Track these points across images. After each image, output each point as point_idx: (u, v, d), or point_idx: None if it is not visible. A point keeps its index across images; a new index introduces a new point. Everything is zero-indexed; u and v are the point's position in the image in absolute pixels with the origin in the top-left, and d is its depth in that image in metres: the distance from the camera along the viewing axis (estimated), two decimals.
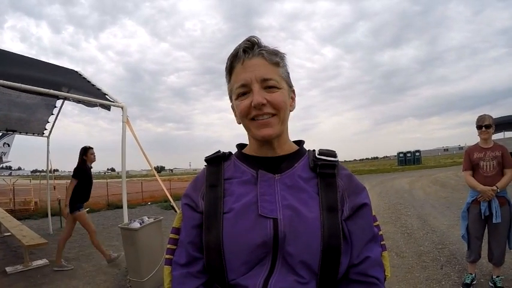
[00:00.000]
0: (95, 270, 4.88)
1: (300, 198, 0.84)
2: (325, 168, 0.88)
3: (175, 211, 4.42)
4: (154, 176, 5.33)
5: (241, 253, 0.80)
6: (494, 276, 3.43)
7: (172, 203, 4.57)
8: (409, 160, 40.93)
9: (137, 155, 5.21)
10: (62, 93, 3.94)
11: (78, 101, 4.11)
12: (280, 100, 0.86)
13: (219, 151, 0.99)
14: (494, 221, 3.27)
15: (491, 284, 3.44)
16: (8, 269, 4.82)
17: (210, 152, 1.00)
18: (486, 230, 3.46)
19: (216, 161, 0.96)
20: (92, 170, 5.48)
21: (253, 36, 0.88)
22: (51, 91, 3.77)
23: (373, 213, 0.93)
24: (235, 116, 0.96)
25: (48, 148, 7.73)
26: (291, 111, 0.94)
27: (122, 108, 4.48)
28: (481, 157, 3.41)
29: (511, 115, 19.97)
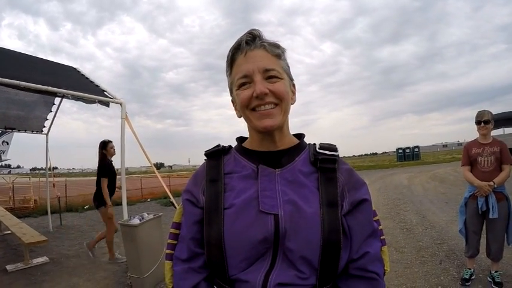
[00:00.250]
0: (95, 267, 4.89)
1: (300, 193, 0.84)
2: (325, 162, 0.88)
3: (175, 207, 4.43)
4: (153, 172, 5.34)
5: (242, 249, 0.80)
6: (492, 272, 3.45)
7: (172, 199, 4.58)
8: (408, 156, 40.97)
9: (136, 152, 5.21)
10: (61, 90, 3.92)
11: (77, 98, 4.10)
12: (282, 89, 0.85)
13: (218, 145, 0.98)
14: (490, 216, 3.28)
15: (490, 279, 3.46)
16: (9, 267, 4.83)
17: (208, 147, 1.00)
18: (484, 226, 3.47)
19: (216, 155, 0.95)
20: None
21: (255, 29, 0.88)
22: (50, 88, 3.76)
23: (373, 208, 0.93)
24: (236, 109, 0.95)
25: (47, 145, 7.72)
26: (292, 104, 0.93)
27: (120, 104, 4.47)
28: (479, 152, 3.42)
29: (510, 111, 19.99)
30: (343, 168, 0.91)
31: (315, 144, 0.95)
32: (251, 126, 0.90)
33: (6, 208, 9.32)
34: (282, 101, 0.86)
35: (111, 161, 5.23)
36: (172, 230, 0.96)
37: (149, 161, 4.74)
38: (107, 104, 4.42)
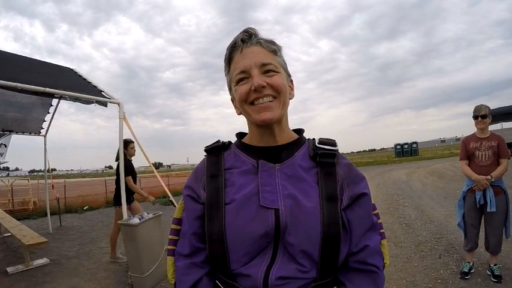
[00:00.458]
0: (95, 267, 4.89)
1: (300, 187, 0.85)
2: (325, 157, 0.89)
3: (175, 206, 4.44)
4: (152, 172, 5.34)
5: (243, 244, 0.81)
6: (491, 265, 3.47)
7: (171, 198, 4.58)
8: (406, 152, 41.03)
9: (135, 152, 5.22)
10: (58, 91, 3.92)
11: (75, 99, 4.09)
12: (280, 82, 0.86)
13: (218, 141, 0.99)
14: (488, 209, 3.30)
15: (489, 272, 3.48)
16: (9, 269, 4.82)
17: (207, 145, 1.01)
18: (483, 219, 3.49)
19: (216, 150, 0.96)
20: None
21: (251, 28, 0.90)
22: (48, 89, 3.76)
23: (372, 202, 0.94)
24: (235, 107, 0.96)
25: (45, 147, 7.70)
26: (290, 99, 0.94)
27: (118, 104, 4.47)
28: (477, 147, 3.44)
29: (508, 106, 20.06)
30: (343, 162, 0.92)
31: (314, 139, 0.96)
32: (250, 121, 0.91)
33: (5, 210, 9.31)
34: (280, 94, 0.87)
35: (131, 160, 5.20)
36: (173, 226, 0.97)
37: (148, 161, 4.74)
38: (104, 104, 4.42)
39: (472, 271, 3.59)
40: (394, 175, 16.83)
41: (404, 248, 4.70)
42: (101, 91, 4.73)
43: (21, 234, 5.32)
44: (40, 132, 7.62)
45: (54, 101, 6.52)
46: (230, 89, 0.95)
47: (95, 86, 4.96)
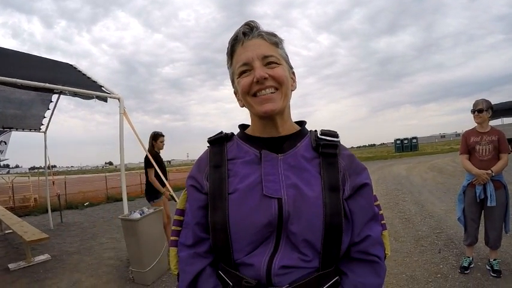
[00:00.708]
0: (97, 263, 4.91)
1: (302, 177, 0.86)
2: (327, 148, 0.90)
3: (175, 201, 4.45)
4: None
5: (247, 233, 0.82)
6: (491, 260, 3.48)
7: (172, 193, 4.59)
8: (406, 147, 41.00)
9: (135, 148, 5.20)
10: (58, 86, 3.91)
11: (75, 94, 4.08)
12: (281, 74, 0.87)
13: (221, 132, 1.00)
14: (488, 204, 3.30)
15: (489, 267, 3.49)
16: (11, 266, 4.84)
17: (207, 143, 1.01)
18: (483, 214, 3.50)
19: (219, 141, 0.97)
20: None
21: (252, 21, 0.90)
22: (47, 85, 3.75)
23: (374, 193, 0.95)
24: (238, 100, 0.97)
25: (45, 143, 7.70)
26: (292, 90, 0.95)
27: (118, 99, 4.46)
28: (478, 141, 3.44)
29: (509, 101, 20.02)
30: (344, 153, 0.93)
31: (316, 130, 0.96)
32: (253, 112, 0.92)
33: (6, 207, 9.31)
34: (282, 85, 0.87)
35: (158, 153, 5.10)
36: (176, 217, 0.98)
37: (149, 156, 4.74)
38: (104, 100, 4.41)
39: (472, 266, 3.60)
40: (394, 170, 16.83)
41: (404, 242, 4.72)
42: (101, 86, 4.72)
43: (23, 230, 5.33)
44: (40, 129, 7.62)
45: (54, 97, 6.51)
46: (233, 82, 0.96)
47: (94, 81, 4.95)
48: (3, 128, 7.37)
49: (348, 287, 0.84)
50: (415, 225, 5.64)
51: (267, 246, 0.82)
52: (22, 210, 10.81)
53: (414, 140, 41.34)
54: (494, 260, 3.46)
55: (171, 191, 4.88)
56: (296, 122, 1.01)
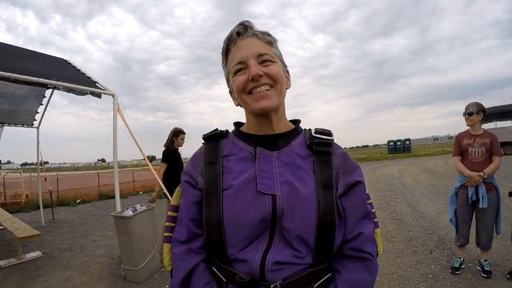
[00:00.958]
0: (88, 260, 4.88)
1: (296, 175, 0.87)
2: (321, 146, 0.91)
3: (168, 199, 4.44)
4: (145, 166, 5.31)
5: (241, 229, 0.82)
6: (482, 261, 3.52)
7: (165, 190, 4.57)
8: (399, 148, 41.21)
9: (128, 145, 5.16)
10: (52, 81, 3.87)
11: (69, 90, 4.05)
12: (276, 71, 0.88)
13: (216, 129, 1.00)
14: (480, 206, 3.33)
15: (479, 268, 3.52)
16: (1, 263, 4.78)
17: (200, 141, 1.02)
18: (474, 216, 3.54)
19: (214, 138, 0.97)
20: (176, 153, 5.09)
21: (246, 21, 0.91)
22: (41, 80, 3.72)
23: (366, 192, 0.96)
24: (233, 98, 0.97)
25: (38, 139, 7.62)
26: (287, 88, 0.96)
27: (112, 96, 4.43)
28: (470, 143, 3.47)
29: (502, 106, 20.25)
30: (338, 152, 0.94)
31: (310, 129, 0.97)
32: (248, 110, 0.93)
33: None
34: (277, 83, 0.88)
35: (176, 149, 5.04)
36: (170, 213, 0.98)
37: (142, 154, 4.71)
38: (98, 96, 4.37)
39: (463, 266, 3.64)
40: (386, 171, 16.93)
41: (396, 243, 4.75)
42: (95, 82, 4.69)
43: (14, 227, 5.28)
44: (33, 124, 7.53)
45: (47, 93, 6.44)
46: (228, 81, 0.97)
47: (89, 77, 4.92)
48: None
49: (340, 284, 0.84)
50: (407, 225, 5.68)
51: (261, 242, 0.83)
52: (13, 207, 10.70)
53: (407, 142, 41.58)
54: (485, 261, 3.49)
55: (157, 191, 4.93)
56: (290, 121, 1.02)
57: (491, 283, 3.27)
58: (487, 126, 20.04)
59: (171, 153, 4.87)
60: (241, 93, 0.89)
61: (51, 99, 6.74)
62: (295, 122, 1.02)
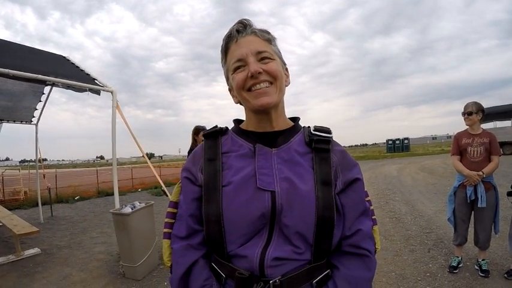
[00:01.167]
0: (87, 257, 4.88)
1: (295, 171, 0.87)
2: (320, 143, 0.91)
3: (167, 196, 4.44)
4: (144, 162, 5.31)
5: (240, 225, 0.83)
6: (479, 260, 3.52)
7: (164, 188, 4.57)
8: (397, 147, 41.21)
9: (127, 141, 5.16)
10: (51, 78, 3.86)
11: (68, 86, 4.04)
12: (275, 68, 0.89)
13: (216, 126, 1.01)
14: (479, 205, 3.34)
15: (477, 267, 3.53)
16: (0, 259, 4.78)
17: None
18: (472, 215, 3.54)
19: (213, 135, 0.98)
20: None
21: (245, 19, 0.92)
22: (40, 76, 3.71)
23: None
24: (233, 96, 0.98)
25: (36, 136, 7.60)
26: (286, 86, 0.96)
27: (111, 92, 4.43)
28: (469, 143, 3.47)
29: (501, 105, 20.28)
30: (337, 149, 0.95)
31: (309, 126, 0.98)
32: (248, 107, 0.93)
33: None
34: (276, 79, 0.89)
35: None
36: (169, 209, 0.98)
37: (141, 151, 4.71)
38: (97, 93, 4.37)
39: (461, 265, 3.64)
40: (385, 170, 16.94)
41: (394, 241, 4.76)
42: (94, 79, 4.68)
43: (12, 224, 5.28)
44: (31, 121, 7.51)
45: (46, 89, 6.42)
46: (227, 79, 0.97)
47: (88, 74, 4.90)
48: None
49: (339, 280, 0.85)
50: (405, 224, 5.69)
51: (260, 238, 0.83)
52: (12, 203, 10.69)
53: (406, 141, 41.60)
54: (483, 260, 3.50)
55: None
56: (290, 118, 1.03)
57: (489, 282, 3.28)
58: (486, 126, 20.11)
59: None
60: (240, 91, 0.90)
61: (49, 96, 6.73)
62: (295, 119, 1.02)
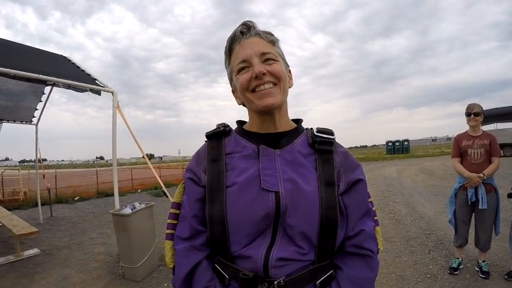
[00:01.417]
0: (87, 258, 4.87)
1: (299, 172, 0.88)
2: (323, 144, 0.92)
3: (167, 197, 4.43)
4: (144, 163, 5.31)
5: (244, 226, 0.83)
6: (480, 261, 3.52)
7: (164, 188, 4.57)
8: (397, 149, 41.19)
9: (127, 142, 5.17)
10: (52, 78, 3.86)
11: (68, 86, 4.04)
12: (279, 69, 0.89)
13: (219, 127, 1.01)
14: (480, 207, 3.34)
15: (477, 269, 3.53)
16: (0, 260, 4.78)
17: (199, 140, 1.03)
18: (473, 217, 3.54)
19: (217, 136, 0.98)
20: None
21: (249, 21, 0.93)
22: (41, 76, 3.71)
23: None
24: (236, 97, 0.99)
25: (36, 136, 7.59)
26: (289, 87, 0.97)
27: (112, 93, 4.43)
28: (469, 145, 3.47)
29: (502, 107, 20.32)
30: (339, 150, 0.95)
31: (312, 128, 0.99)
32: (252, 108, 0.93)
33: None
34: (280, 81, 0.89)
35: None
36: (172, 210, 0.98)
37: (141, 151, 4.70)
38: (98, 93, 4.36)
39: (461, 267, 3.64)
40: (385, 172, 16.95)
41: (395, 243, 4.76)
42: (95, 79, 4.68)
43: (12, 224, 5.27)
44: (31, 121, 7.50)
45: (46, 89, 6.42)
46: (231, 80, 0.98)
47: (88, 74, 4.90)
48: None
49: (342, 280, 0.85)
50: (405, 226, 5.69)
51: (264, 239, 0.83)
52: (11, 204, 10.67)
53: (406, 143, 41.59)
54: (483, 261, 3.50)
55: None
56: (292, 120, 1.03)
57: (489, 284, 3.27)
58: (487, 128, 20.14)
59: None
60: (244, 92, 0.90)
61: (49, 96, 6.73)
62: (297, 121, 1.03)
